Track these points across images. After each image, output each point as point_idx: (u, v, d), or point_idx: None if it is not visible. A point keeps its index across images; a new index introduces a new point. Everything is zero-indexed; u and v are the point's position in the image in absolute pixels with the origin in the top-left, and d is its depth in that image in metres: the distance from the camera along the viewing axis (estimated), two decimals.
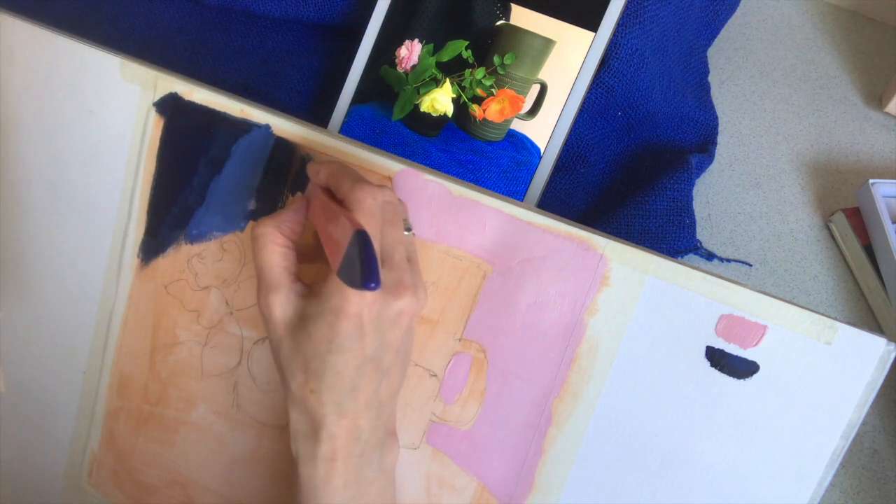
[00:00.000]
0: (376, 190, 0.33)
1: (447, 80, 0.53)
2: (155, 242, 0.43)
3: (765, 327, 0.35)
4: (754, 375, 0.35)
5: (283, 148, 0.40)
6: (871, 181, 0.54)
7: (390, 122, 0.54)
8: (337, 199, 0.34)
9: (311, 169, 0.36)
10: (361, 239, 0.29)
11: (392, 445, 0.35)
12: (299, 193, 0.40)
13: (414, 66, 0.53)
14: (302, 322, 0.33)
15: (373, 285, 0.29)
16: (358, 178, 0.34)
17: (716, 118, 0.61)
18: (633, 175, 0.58)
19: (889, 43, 0.68)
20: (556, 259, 0.37)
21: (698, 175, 0.58)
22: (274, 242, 0.34)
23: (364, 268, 0.29)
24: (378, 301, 0.32)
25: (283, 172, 0.40)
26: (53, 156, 0.44)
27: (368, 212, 0.32)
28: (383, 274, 0.32)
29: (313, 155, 0.40)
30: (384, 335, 0.32)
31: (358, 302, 0.31)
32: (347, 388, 0.32)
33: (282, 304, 0.33)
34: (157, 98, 0.42)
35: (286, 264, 0.34)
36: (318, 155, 0.40)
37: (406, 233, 0.35)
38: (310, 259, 0.36)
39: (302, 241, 0.36)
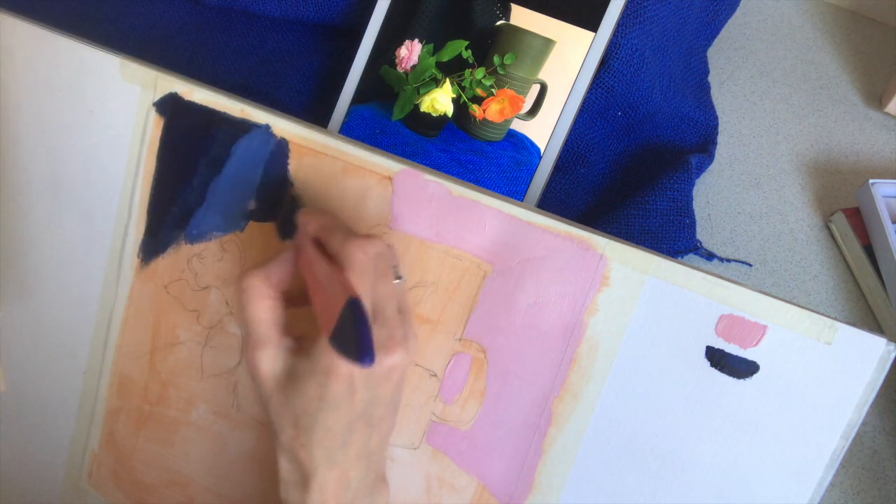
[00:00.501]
0: (367, 243, 0.32)
1: (447, 80, 0.53)
2: (155, 242, 0.43)
3: (765, 327, 0.35)
4: (754, 375, 0.35)
5: (283, 148, 0.40)
6: (871, 181, 0.54)
7: (390, 122, 0.54)
8: (327, 251, 0.34)
9: (301, 219, 0.36)
10: (356, 310, 0.29)
11: (382, 490, 0.35)
12: (289, 241, 0.40)
13: (414, 66, 0.53)
14: (291, 379, 0.32)
15: (367, 362, 0.28)
16: (349, 232, 0.33)
17: (716, 118, 0.61)
18: (633, 175, 0.58)
19: (889, 43, 0.68)
20: (556, 259, 0.37)
21: (698, 175, 0.58)
22: (261, 296, 0.33)
23: (360, 343, 0.28)
24: None
25: (282, 172, 0.40)
26: (53, 156, 0.44)
27: (360, 268, 0.32)
28: (375, 330, 0.32)
29: (303, 200, 0.40)
30: (375, 391, 0.32)
31: (349, 363, 0.30)
32: (338, 444, 0.32)
33: (270, 361, 0.33)
34: (157, 98, 0.42)
35: (274, 318, 0.33)
36: (317, 154, 0.40)
37: (396, 281, 0.34)
38: (298, 303, 0.35)
39: (291, 287, 0.35)
